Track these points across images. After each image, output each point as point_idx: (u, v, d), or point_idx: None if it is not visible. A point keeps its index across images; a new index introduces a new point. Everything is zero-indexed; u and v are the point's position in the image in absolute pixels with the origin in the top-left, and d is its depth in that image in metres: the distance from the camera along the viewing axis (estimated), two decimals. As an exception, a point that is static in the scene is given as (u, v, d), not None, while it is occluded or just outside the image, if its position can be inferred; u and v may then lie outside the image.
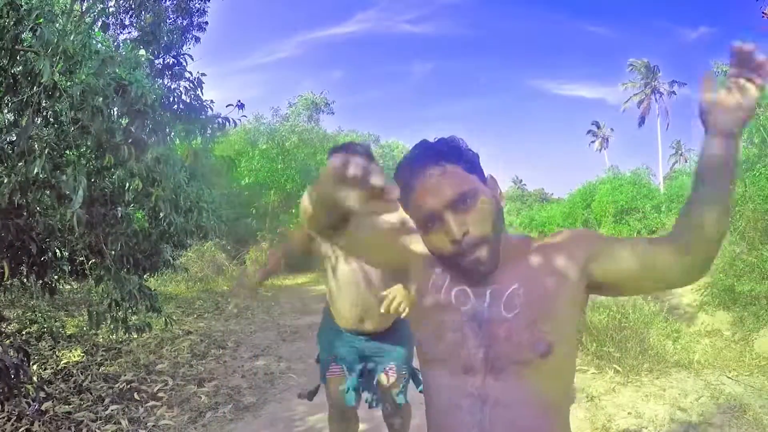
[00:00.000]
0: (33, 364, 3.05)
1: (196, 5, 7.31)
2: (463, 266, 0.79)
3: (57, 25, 2.30)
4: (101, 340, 3.94)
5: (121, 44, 4.69)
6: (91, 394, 2.97)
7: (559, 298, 0.78)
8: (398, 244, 0.91)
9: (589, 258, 0.79)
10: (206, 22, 7.48)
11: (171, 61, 6.16)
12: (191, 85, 4.00)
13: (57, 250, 2.82)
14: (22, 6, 2.20)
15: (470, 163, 0.81)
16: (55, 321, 4.17)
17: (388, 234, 0.95)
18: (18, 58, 2.30)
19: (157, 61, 5.98)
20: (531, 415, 0.76)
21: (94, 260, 2.87)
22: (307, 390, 2.11)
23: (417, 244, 0.88)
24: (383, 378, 1.87)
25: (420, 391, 1.86)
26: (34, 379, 2.72)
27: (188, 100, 3.95)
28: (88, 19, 2.69)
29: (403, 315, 1.50)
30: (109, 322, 2.79)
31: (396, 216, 1.12)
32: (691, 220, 0.73)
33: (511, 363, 0.76)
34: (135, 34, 6.30)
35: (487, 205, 0.79)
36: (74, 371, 3.26)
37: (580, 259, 0.79)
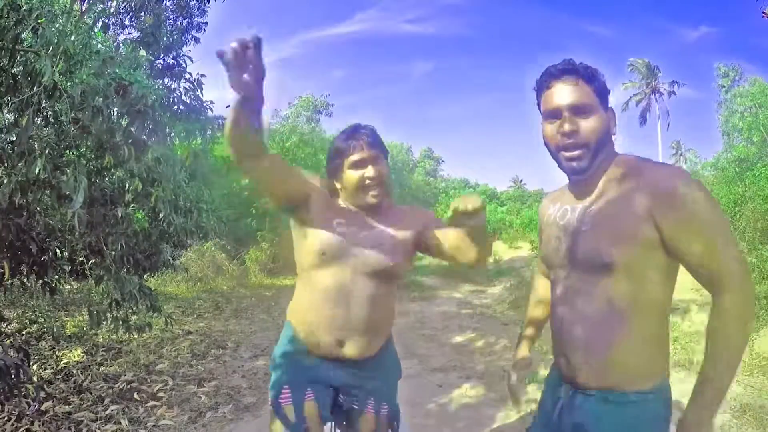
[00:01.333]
0: (33, 364, 3.05)
1: (196, 5, 7.30)
2: (564, 161, 1.02)
3: (57, 25, 2.30)
4: (101, 340, 3.94)
5: (122, 45, 4.69)
6: (91, 394, 2.97)
7: (628, 221, 0.95)
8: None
9: (655, 216, 0.92)
10: (206, 22, 7.48)
11: (171, 62, 6.16)
12: (191, 86, 4.01)
13: (57, 250, 2.82)
14: (22, 6, 2.21)
15: (600, 90, 1.02)
16: (55, 321, 4.17)
17: None
18: (18, 58, 2.30)
19: (157, 62, 5.99)
20: (600, 304, 0.99)
21: (94, 260, 2.87)
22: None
23: None
24: (368, 419, 1.40)
25: None
26: (34, 379, 2.73)
27: (188, 101, 3.96)
28: (88, 20, 2.70)
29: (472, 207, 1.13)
30: (109, 321, 2.79)
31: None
32: None
33: (583, 264, 1.01)
34: (135, 34, 6.31)
35: (598, 123, 1.00)
36: (74, 371, 3.26)
37: (646, 210, 0.93)
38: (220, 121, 3.94)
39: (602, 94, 1.02)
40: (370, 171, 1.31)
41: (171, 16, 7.10)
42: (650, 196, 0.92)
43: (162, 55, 6.31)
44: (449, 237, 1.33)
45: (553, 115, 1.01)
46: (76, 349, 3.65)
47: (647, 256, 0.94)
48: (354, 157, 1.31)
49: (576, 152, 0.99)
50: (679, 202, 0.90)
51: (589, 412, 1.03)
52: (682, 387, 3.70)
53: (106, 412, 2.76)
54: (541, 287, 1.38)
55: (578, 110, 0.98)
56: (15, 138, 2.36)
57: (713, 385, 0.94)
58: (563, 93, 0.99)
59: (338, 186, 1.38)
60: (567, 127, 0.98)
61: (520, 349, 1.37)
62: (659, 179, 0.93)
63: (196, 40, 7.42)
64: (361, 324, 1.34)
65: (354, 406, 1.40)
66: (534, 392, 1.83)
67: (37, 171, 2.14)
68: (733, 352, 0.92)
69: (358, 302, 1.33)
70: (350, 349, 1.35)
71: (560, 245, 1.07)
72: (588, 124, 0.98)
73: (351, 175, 1.32)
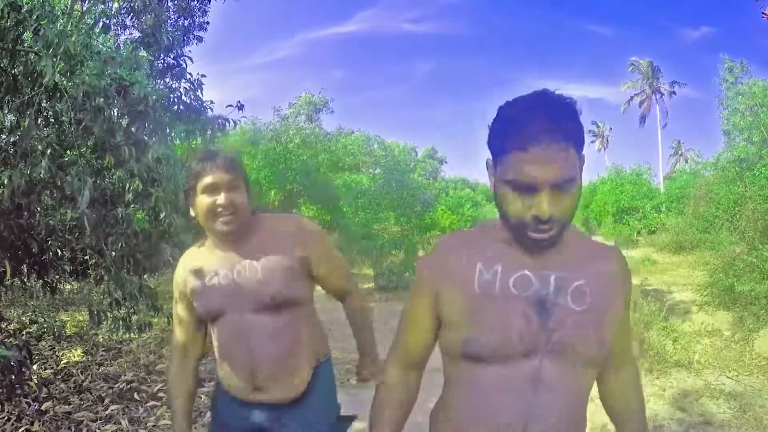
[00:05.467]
0: (33, 364, 3.05)
1: (197, 5, 7.31)
2: (527, 238, 0.76)
3: (58, 25, 2.30)
4: (101, 340, 3.94)
5: (122, 45, 4.70)
6: (91, 394, 2.97)
7: (614, 308, 0.83)
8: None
9: (625, 303, 0.88)
10: (207, 22, 7.49)
11: (172, 62, 6.16)
12: (191, 86, 4.01)
13: (58, 250, 2.82)
14: (23, 7, 2.21)
15: (581, 143, 0.75)
16: (55, 321, 4.17)
17: None
18: (19, 58, 2.30)
19: (157, 62, 5.99)
20: (574, 402, 0.82)
21: (94, 260, 2.88)
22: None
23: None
24: None
25: None
26: (34, 378, 2.73)
27: (188, 101, 3.97)
28: (89, 20, 2.70)
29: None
30: (110, 321, 2.79)
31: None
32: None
33: (572, 352, 0.78)
34: (136, 35, 6.30)
35: (577, 192, 0.75)
36: (74, 371, 3.26)
37: (622, 297, 0.86)
38: (220, 120, 3.94)
39: (581, 145, 0.76)
40: (221, 198, 1.16)
41: (172, 17, 7.11)
42: (621, 278, 0.86)
43: (162, 56, 6.31)
44: (334, 286, 1.36)
45: (528, 189, 0.73)
46: (76, 349, 3.65)
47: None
48: (207, 181, 1.17)
49: (547, 234, 0.75)
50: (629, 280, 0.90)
51: None
52: (682, 386, 3.69)
53: (106, 412, 2.76)
54: (403, 386, 1.02)
55: (560, 187, 0.72)
56: (17, 139, 2.37)
57: None
58: (544, 165, 0.71)
59: (192, 213, 1.25)
60: (546, 211, 0.73)
61: None
62: (621, 266, 0.87)
63: (199, 39, 7.44)
64: (270, 365, 1.23)
65: None
66: None
67: (41, 172, 2.15)
68: None
69: (259, 343, 1.23)
70: (269, 393, 1.25)
71: (532, 324, 0.78)
72: (568, 201, 0.74)
73: (202, 201, 1.18)
